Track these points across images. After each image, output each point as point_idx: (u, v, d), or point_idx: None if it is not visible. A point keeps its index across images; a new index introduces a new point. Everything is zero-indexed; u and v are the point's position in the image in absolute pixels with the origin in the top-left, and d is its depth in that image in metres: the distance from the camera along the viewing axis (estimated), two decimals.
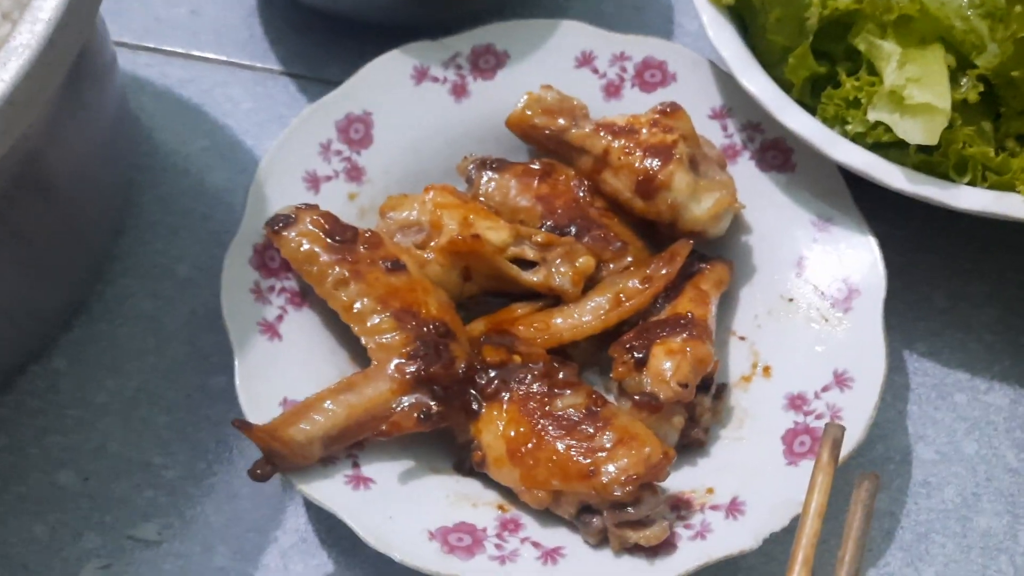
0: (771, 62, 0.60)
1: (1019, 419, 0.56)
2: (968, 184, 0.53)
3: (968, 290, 0.60)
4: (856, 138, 0.56)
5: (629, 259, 0.56)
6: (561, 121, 0.59)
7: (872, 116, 0.53)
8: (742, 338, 0.56)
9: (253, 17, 0.72)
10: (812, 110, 0.58)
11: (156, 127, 0.66)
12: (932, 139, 0.52)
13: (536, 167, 0.59)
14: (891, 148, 0.55)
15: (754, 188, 0.59)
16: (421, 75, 0.61)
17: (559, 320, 0.54)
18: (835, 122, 0.57)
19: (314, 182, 0.58)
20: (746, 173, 0.59)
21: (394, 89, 0.61)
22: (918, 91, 0.53)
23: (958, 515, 0.54)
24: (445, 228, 0.54)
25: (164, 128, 0.66)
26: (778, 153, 0.60)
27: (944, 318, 0.59)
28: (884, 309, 0.53)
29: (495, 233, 0.54)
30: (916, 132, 0.52)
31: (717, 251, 0.58)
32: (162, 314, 0.59)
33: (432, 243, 0.55)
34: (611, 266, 0.56)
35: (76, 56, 0.44)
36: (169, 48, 0.70)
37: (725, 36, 0.58)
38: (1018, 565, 0.52)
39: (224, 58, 0.70)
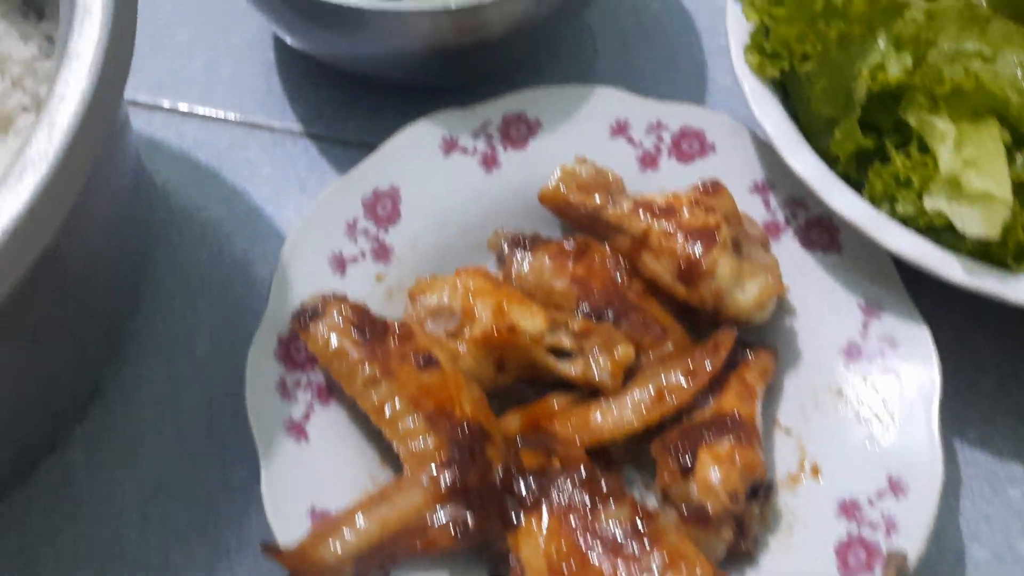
0: (815, 131, 0.57)
1: None
2: None
3: (1021, 374, 0.58)
4: (907, 220, 0.53)
5: (669, 345, 0.54)
6: (597, 199, 0.56)
7: (928, 204, 0.51)
8: (788, 431, 0.54)
9: (271, 72, 0.69)
10: (858, 184, 0.56)
11: (172, 191, 0.64)
12: (993, 232, 0.49)
13: (570, 246, 0.56)
14: (945, 231, 0.53)
15: (798, 268, 0.56)
16: (450, 145, 0.59)
17: (599, 416, 0.51)
18: (884, 200, 0.54)
19: (340, 264, 0.55)
20: (790, 252, 0.57)
21: (422, 161, 0.58)
22: (977, 178, 0.50)
23: None
24: (478, 318, 0.52)
25: (180, 193, 0.64)
26: (823, 231, 0.57)
27: (996, 403, 0.57)
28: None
29: (530, 322, 0.52)
30: (975, 224, 0.50)
31: (759, 335, 0.56)
32: (180, 398, 0.57)
33: (465, 331, 0.52)
34: (650, 353, 0.54)
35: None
36: (184, 107, 0.67)
37: (768, 109, 0.56)
38: None
39: (241, 117, 0.67)
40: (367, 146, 0.64)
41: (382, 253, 0.56)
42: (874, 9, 0.55)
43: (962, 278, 0.51)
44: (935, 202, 0.51)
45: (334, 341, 0.49)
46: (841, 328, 0.54)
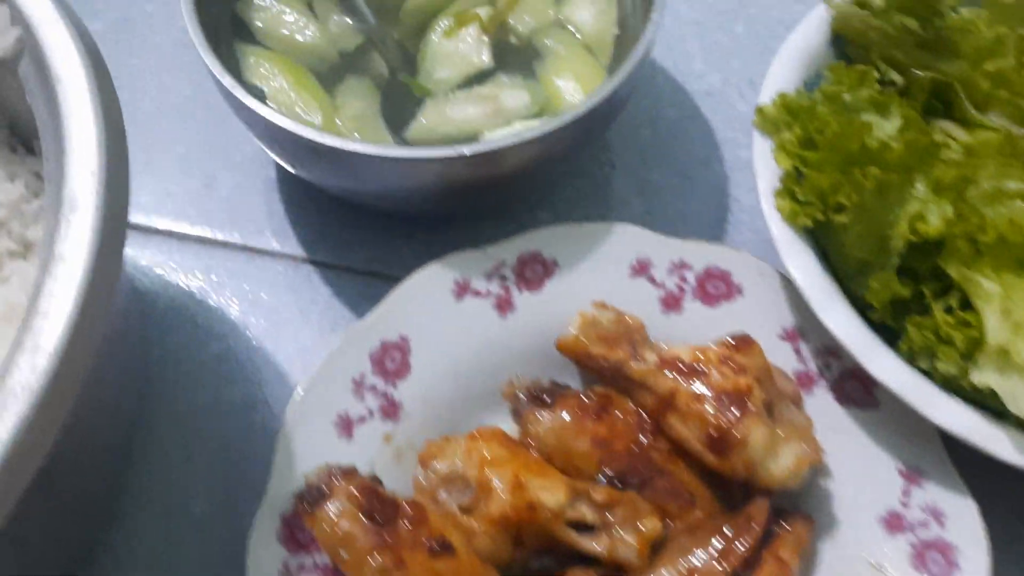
0: (847, 273, 0.54)
1: None
2: None
3: None
4: (949, 379, 0.50)
5: (698, 512, 0.51)
6: (620, 352, 0.53)
7: (976, 379, 0.48)
8: None
9: (272, 192, 0.66)
10: (894, 332, 0.53)
11: (168, 328, 0.60)
12: None
13: (591, 400, 0.53)
14: (993, 395, 0.49)
15: (832, 426, 0.53)
16: (462, 289, 0.56)
17: None
18: (923, 354, 0.51)
19: (347, 426, 0.52)
20: (823, 407, 0.54)
21: (433, 308, 0.55)
22: None
23: None
24: (494, 493, 0.49)
25: (177, 329, 0.60)
26: (859, 385, 0.54)
27: None
28: None
29: (550, 497, 0.48)
30: None
31: (792, 498, 0.52)
32: (175, 561, 0.53)
33: (481, 506, 0.49)
34: (677, 521, 0.51)
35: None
36: (180, 229, 0.64)
37: (800, 259, 0.53)
38: None
39: (241, 240, 0.64)
40: (374, 275, 0.61)
41: (391, 411, 0.53)
42: (912, 152, 0.52)
43: (1012, 456, 0.47)
44: (983, 376, 0.48)
45: (341, 527, 0.46)
46: (880, 495, 0.51)
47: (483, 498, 0.49)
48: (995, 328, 0.48)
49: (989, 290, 0.49)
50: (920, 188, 0.52)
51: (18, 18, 0.44)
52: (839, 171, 0.52)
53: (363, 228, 0.64)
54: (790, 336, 0.55)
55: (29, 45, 0.43)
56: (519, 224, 0.64)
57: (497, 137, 0.57)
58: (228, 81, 0.52)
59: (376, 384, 0.53)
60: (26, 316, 0.36)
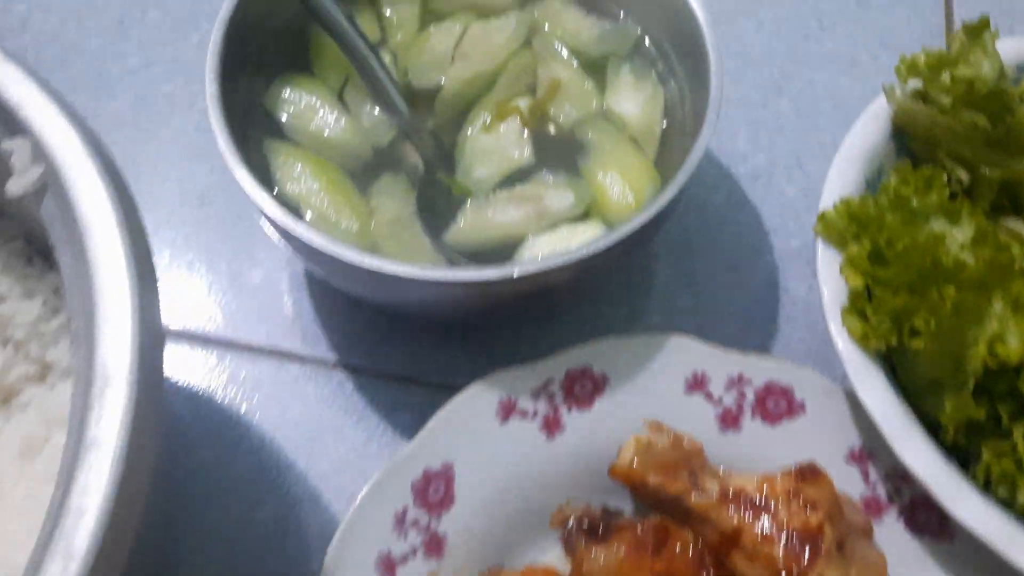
0: (918, 391, 0.51)
1: None
2: None
3: None
4: None
5: None
6: (679, 484, 0.50)
7: None
8: None
9: (301, 292, 0.63)
10: (966, 454, 0.49)
11: (195, 442, 0.57)
12: None
13: (647, 532, 0.50)
14: None
15: (902, 556, 0.50)
16: (508, 410, 0.52)
17: None
18: (1001, 483, 0.48)
19: (390, 568, 0.49)
20: (892, 536, 0.50)
21: (477, 432, 0.52)
22: None
23: None
24: None
25: (204, 444, 0.57)
26: (931, 514, 0.51)
27: None
28: None
29: None
30: None
31: None
32: None
33: None
34: None
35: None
36: (203, 330, 0.61)
37: (872, 384, 0.50)
38: None
39: (268, 344, 0.61)
40: (409, 380, 0.58)
41: (434, 547, 0.50)
42: (990, 269, 0.49)
43: None
44: None
45: None
46: None
47: None
48: None
49: None
50: (998, 307, 0.49)
51: (41, 155, 0.40)
52: (912, 290, 0.49)
53: (397, 330, 0.60)
54: (857, 458, 0.52)
55: (53, 185, 0.40)
56: (559, 321, 0.61)
57: (544, 245, 0.54)
58: (260, 197, 0.49)
59: (419, 518, 0.50)
60: (56, 511, 0.33)
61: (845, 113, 0.62)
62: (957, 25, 0.65)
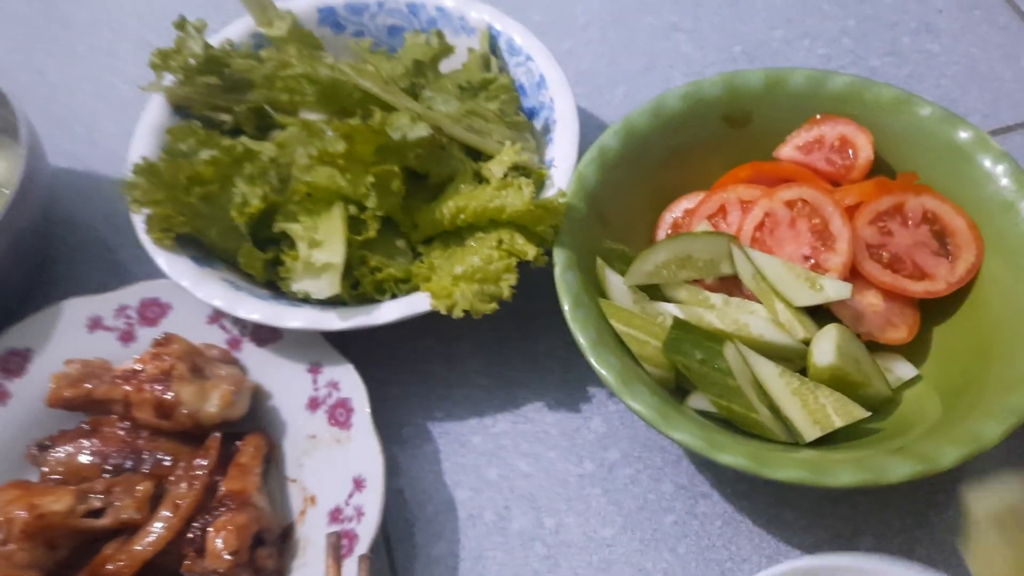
0: (229, 258, 0.75)
1: (524, 436, 0.74)
2: None
3: None
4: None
5: (183, 465, 0.69)
6: (87, 385, 0.71)
7: (296, 287, 0.70)
8: (295, 481, 0.70)
9: None
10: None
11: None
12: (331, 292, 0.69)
13: (86, 427, 0.71)
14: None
15: (260, 362, 0.74)
16: None
17: (138, 546, 0.65)
18: (286, 278, 0.73)
19: None
20: (251, 353, 0.74)
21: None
22: (321, 254, 0.70)
23: (498, 527, 0.70)
24: (15, 518, 0.65)
25: None
26: (268, 329, 0.75)
27: None
28: None
29: (58, 503, 0.65)
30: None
31: (252, 423, 0.72)
32: None
33: (9, 532, 0.65)
34: (171, 477, 0.69)
35: None
36: None
37: (176, 266, 0.73)
38: (549, 544, 0.70)
39: None
40: None
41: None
42: (221, 166, 0.74)
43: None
44: (301, 284, 0.70)
45: None
46: (300, 388, 0.72)
47: (9, 527, 0.65)
48: (305, 250, 0.70)
49: (298, 230, 0.72)
50: (241, 186, 0.74)
51: None
52: (173, 200, 0.73)
53: None
54: (212, 319, 0.76)
55: None
56: None
57: None
58: None
59: None
60: None
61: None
62: None
